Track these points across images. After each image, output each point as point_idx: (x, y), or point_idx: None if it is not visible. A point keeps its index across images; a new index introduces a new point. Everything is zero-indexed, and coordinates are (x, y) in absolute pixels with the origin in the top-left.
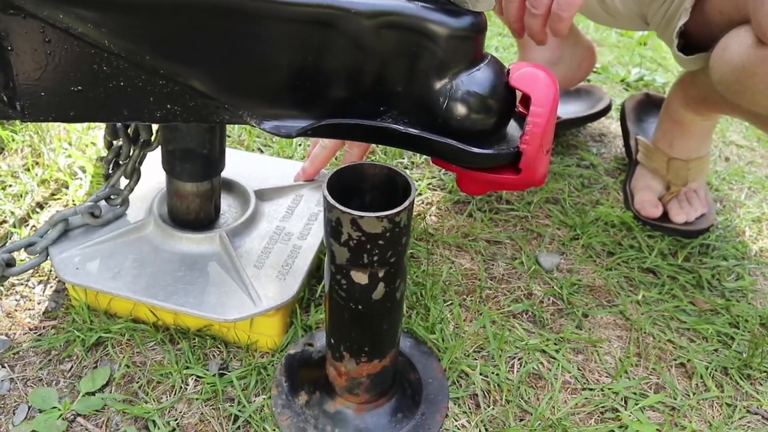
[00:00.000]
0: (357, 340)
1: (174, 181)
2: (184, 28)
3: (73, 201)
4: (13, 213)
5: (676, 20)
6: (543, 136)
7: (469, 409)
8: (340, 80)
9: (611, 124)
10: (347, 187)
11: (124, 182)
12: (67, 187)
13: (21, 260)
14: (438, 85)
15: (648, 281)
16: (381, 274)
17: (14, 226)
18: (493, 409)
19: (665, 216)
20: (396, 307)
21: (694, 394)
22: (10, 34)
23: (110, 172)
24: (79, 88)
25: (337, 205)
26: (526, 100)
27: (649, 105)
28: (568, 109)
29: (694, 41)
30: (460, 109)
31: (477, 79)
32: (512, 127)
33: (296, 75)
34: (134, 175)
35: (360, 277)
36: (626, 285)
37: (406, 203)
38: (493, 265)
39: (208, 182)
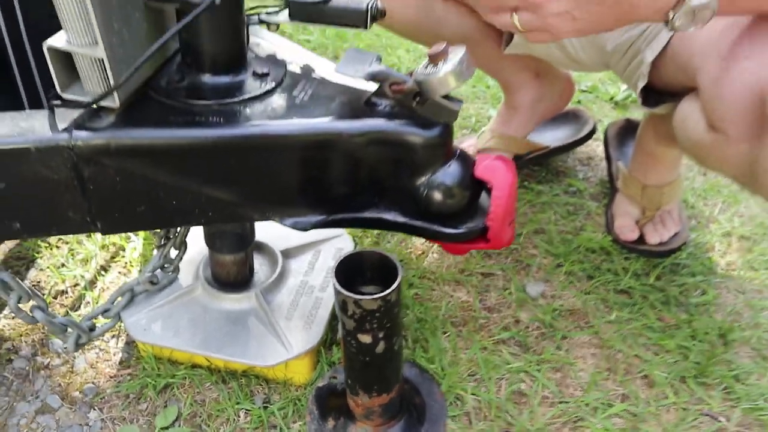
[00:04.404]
0: (368, 381)
1: (215, 253)
2: (221, 165)
3: (130, 261)
4: (83, 276)
5: (635, 80)
6: (504, 215)
7: (464, 425)
8: (340, 184)
9: (598, 147)
10: (352, 270)
11: (173, 252)
12: (124, 250)
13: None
14: (418, 181)
15: (621, 302)
16: (381, 335)
17: (85, 288)
18: (483, 424)
19: (642, 238)
20: (395, 355)
21: (654, 401)
22: (91, 177)
23: (162, 243)
24: (143, 208)
25: (343, 290)
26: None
27: (629, 130)
28: (556, 136)
29: (658, 90)
30: (437, 197)
31: (449, 173)
32: (485, 198)
33: (306, 184)
34: (182, 246)
35: (365, 338)
36: (602, 306)
37: (394, 286)
38: (486, 296)
39: (243, 252)
